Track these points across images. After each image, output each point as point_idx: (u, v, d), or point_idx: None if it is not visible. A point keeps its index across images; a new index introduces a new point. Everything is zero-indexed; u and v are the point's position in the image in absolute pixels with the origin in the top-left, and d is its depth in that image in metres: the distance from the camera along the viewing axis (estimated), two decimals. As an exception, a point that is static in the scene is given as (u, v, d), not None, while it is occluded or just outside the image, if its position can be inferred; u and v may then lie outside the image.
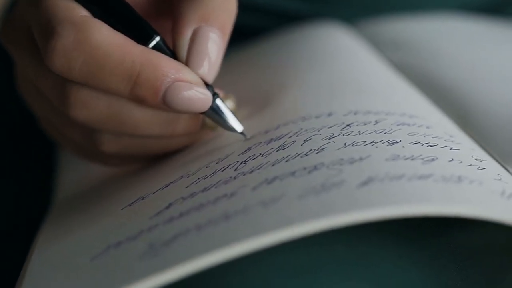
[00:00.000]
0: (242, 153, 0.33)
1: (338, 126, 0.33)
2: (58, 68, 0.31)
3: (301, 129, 0.33)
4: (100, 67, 0.31)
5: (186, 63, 0.32)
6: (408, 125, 0.33)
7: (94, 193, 0.37)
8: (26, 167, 0.49)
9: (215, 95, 0.33)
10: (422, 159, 0.30)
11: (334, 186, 0.28)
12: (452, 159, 0.30)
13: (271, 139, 0.33)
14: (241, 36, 0.51)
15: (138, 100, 0.31)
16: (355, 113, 0.34)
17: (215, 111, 0.33)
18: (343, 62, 0.43)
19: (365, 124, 0.33)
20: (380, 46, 0.48)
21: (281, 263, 0.28)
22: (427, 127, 0.33)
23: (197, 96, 0.32)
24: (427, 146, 0.31)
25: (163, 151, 0.35)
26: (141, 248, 0.28)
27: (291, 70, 0.41)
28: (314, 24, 0.49)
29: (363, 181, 0.28)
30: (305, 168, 0.30)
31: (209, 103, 0.32)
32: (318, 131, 0.33)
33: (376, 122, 0.33)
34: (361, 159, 0.30)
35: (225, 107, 0.34)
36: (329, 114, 0.35)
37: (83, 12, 0.32)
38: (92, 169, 0.40)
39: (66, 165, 0.43)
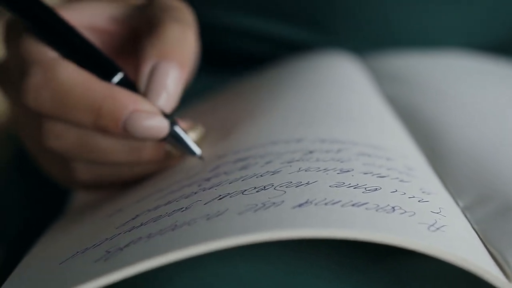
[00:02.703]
0: (210, 171, 0.35)
1: (301, 152, 0.35)
2: (31, 104, 0.35)
3: (267, 152, 0.36)
4: (66, 102, 0.34)
5: (145, 95, 0.35)
6: (368, 155, 0.35)
7: (93, 204, 0.40)
8: None
9: (173, 124, 0.36)
10: (365, 188, 0.31)
11: (273, 205, 0.30)
12: (396, 190, 0.32)
13: (238, 159, 0.36)
14: (252, 63, 0.54)
15: (102, 130, 0.35)
16: (322, 141, 0.36)
17: (174, 138, 0.36)
18: (331, 91, 0.45)
19: (327, 152, 0.35)
20: (380, 78, 0.50)
21: (222, 273, 0.30)
22: (387, 159, 0.35)
23: (153, 124, 0.35)
24: (377, 176, 0.33)
25: (133, 178, 0.38)
26: (99, 254, 0.30)
27: (279, 96, 0.44)
28: (316, 52, 0.51)
29: (300, 203, 0.30)
30: (255, 188, 0.32)
31: (166, 130, 0.35)
32: (281, 155, 0.35)
33: (338, 151, 0.35)
34: (307, 183, 0.32)
35: (184, 134, 0.36)
36: (298, 140, 0.37)
37: (52, 54, 0.36)
38: None
39: None
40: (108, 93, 0.34)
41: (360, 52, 0.54)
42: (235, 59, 0.55)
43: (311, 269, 0.31)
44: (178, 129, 0.36)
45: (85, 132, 0.36)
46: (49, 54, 0.36)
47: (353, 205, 0.30)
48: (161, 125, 0.35)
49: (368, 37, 0.53)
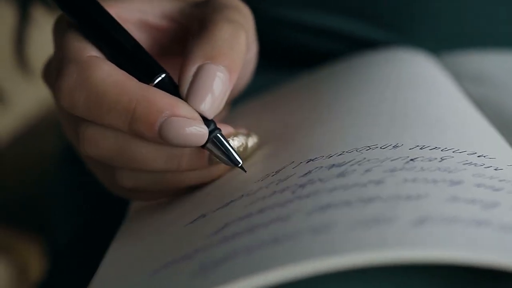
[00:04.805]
0: (302, 176, 0.33)
1: (402, 160, 0.32)
2: (65, 105, 0.33)
3: (364, 158, 0.33)
4: (100, 103, 0.32)
5: (187, 98, 0.33)
6: (475, 165, 0.32)
7: (164, 205, 0.37)
8: None
9: (215, 130, 0.33)
10: (483, 203, 0.29)
11: (386, 221, 0.27)
12: (516, 207, 0.29)
13: (333, 165, 0.33)
14: (323, 60, 0.51)
15: (137, 135, 0.32)
16: (421, 148, 0.34)
17: (215, 146, 0.33)
18: (418, 92, 0.42)
19: (430, 160, 0.32)
20: (461, 79, 0.47)
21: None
22: (495, 169, 0.32)
23: (192, 131, 0.32)
24: (492, 190, 0.30)
25: (178, 187, 0.35)
26: (193, 268, 0.28)
27: (364, 95, 0.41)
28: (391, 50, 0.48)
29: (416, 220, 0.27)
30: (360, 199, 0.29)
31: (205, 138, 0.32)
32: (381, 162, 0.32)
33: (442, 159, 0.33)
34: (418, 197, 0.29)
35: (226, 142, 0.34)
36: (395, 146, 0.34)
37: (91, 52, 0.33)
38: None
39: None
40: (144, 95, 0.32)
41: (434, 52, 0.51)
42: (305, 56, 0.52)
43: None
44: (219, 137, 0.33)
45: (122, 138, 0.33)
46: (88, 52, 0.33)
47: (476, 224, 0.27)
48: (199, 133, 0.32)
49: (443, 37, 0.51)
